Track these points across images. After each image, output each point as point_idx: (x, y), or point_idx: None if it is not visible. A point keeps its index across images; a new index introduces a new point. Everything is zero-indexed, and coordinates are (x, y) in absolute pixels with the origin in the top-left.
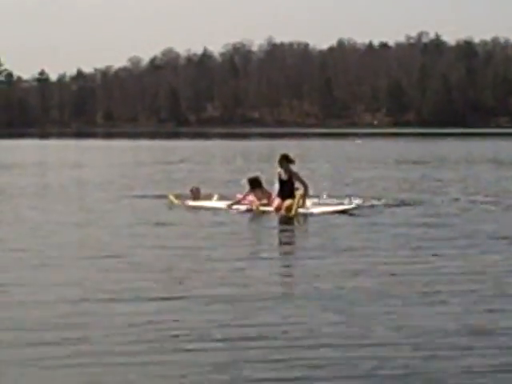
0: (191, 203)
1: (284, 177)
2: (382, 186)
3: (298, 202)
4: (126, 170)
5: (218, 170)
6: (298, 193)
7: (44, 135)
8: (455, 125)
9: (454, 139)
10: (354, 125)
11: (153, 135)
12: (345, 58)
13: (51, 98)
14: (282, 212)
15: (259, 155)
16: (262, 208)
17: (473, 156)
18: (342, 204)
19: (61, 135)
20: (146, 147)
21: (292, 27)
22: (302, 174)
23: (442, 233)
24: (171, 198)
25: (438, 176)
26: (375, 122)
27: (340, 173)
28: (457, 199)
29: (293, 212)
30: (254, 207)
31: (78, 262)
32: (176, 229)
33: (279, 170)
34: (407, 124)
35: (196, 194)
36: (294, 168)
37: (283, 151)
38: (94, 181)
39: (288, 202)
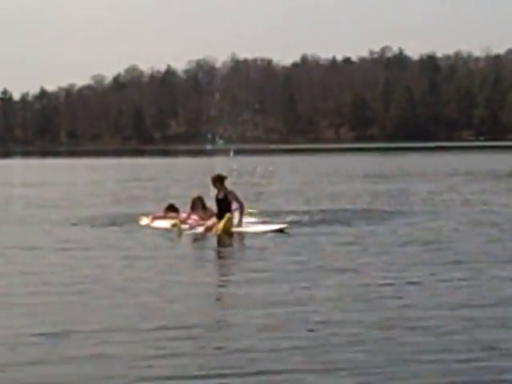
0: (143, 222)
1: (220, 196)
2: (366, 199)
3: (226, 223)
4: (92, 189)
5: (184, 187)
6: (227, 215)
7: (7, 154)
8: (419, 139)
9: (420, 153)
10: (317, 140)
11: (117, 153)
12: (308, 73)
13: (15, 117)
14: (213, 232)
15: (226, 171)
16: (184, 226)
17: (446, 169)
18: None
19: (25, 154)
20: (110, 165)
21: (255, 43)
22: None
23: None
24: (143, 219)
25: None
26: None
27: (314, 188)
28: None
29: (213, 231)
30: (174, 227)
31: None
32: (111, 253)
33: (215, 190)
34: (371, 138)
35: (166, 213)
36: (228, 185)
37: (216, 172)
38: (54, 200)
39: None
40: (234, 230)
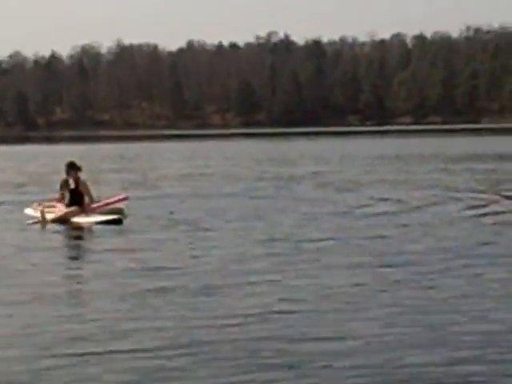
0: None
1: (72, 185)
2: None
3: (61, 215)
4: None
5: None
6: (66, 209)
7: None
8: (306, 124)
9: (307, 138)
10: (204, 126)
11: (0, 139)
12: (195, 59)
13: None
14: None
15: (112, 157)
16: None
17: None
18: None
19: None
20: None
21: (141, 29)
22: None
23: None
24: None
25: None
26: None
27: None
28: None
29: (47, 219)
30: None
31: None
32: None
33: (67, 178)
34: (258, 124)
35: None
36: (82, 176)
37: (70, 159)
38: None
39: (67, 210)
40: (74, 220)
